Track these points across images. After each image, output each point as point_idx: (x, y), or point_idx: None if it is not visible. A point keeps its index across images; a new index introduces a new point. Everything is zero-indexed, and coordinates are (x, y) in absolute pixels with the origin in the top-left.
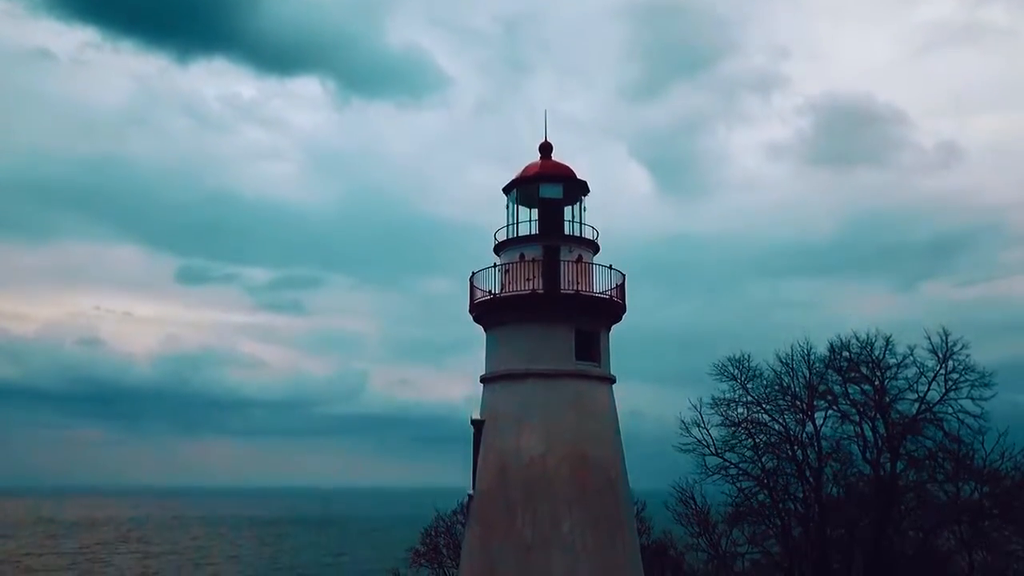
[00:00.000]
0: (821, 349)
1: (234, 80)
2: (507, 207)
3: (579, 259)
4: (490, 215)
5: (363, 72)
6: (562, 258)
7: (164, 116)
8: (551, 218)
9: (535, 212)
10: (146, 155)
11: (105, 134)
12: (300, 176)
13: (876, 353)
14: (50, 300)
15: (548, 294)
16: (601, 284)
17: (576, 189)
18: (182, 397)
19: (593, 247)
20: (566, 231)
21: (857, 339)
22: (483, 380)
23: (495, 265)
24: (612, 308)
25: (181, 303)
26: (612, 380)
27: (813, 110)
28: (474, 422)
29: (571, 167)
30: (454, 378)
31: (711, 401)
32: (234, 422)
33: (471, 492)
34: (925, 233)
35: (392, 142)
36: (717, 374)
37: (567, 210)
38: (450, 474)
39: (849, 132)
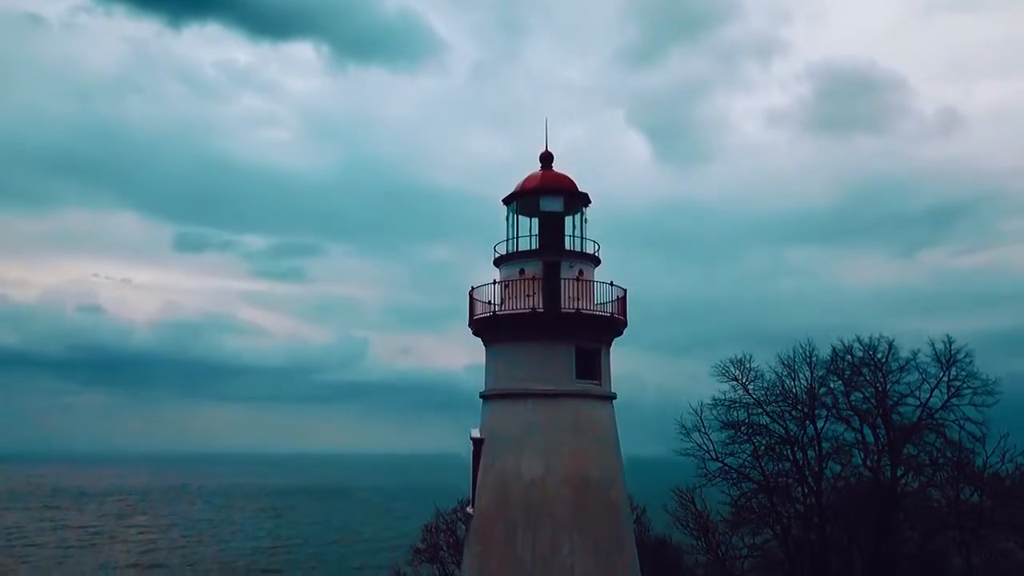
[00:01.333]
0: (824, 351)
1: (228, 45)
2: (506, 219)
3: (580, 274)
4: (487, 183)
5: (357, 37)
6: (563, 274)
7: (159, 82)
8: (551, 232)
9: (535, 222)
10: (142, 121)
11: (101, 100)
12: (297, 143)
13: (879, 355)
14: (50, 267)
15: (548, 313)
16: (602, 297)
17: (577, 200)
18: (183, 363)
19: (594, 261)
20: (567, 245)
21: (860, 342)
22: (483, 396)
23: (495, 281)
24: (613, 325)
25: (180, 270)
26: (613, 397)
27: (813, 76)
28: (474, 440)
29: (571, 177)
30: (454, 345)
31: (711, 402)
32: (235, 389)
33: (470, 510)
34: (925, 201)
35: (388, 108)
36: (718, 375)
37: (568, 220)
38: (450, 440)
39: (849, 99)
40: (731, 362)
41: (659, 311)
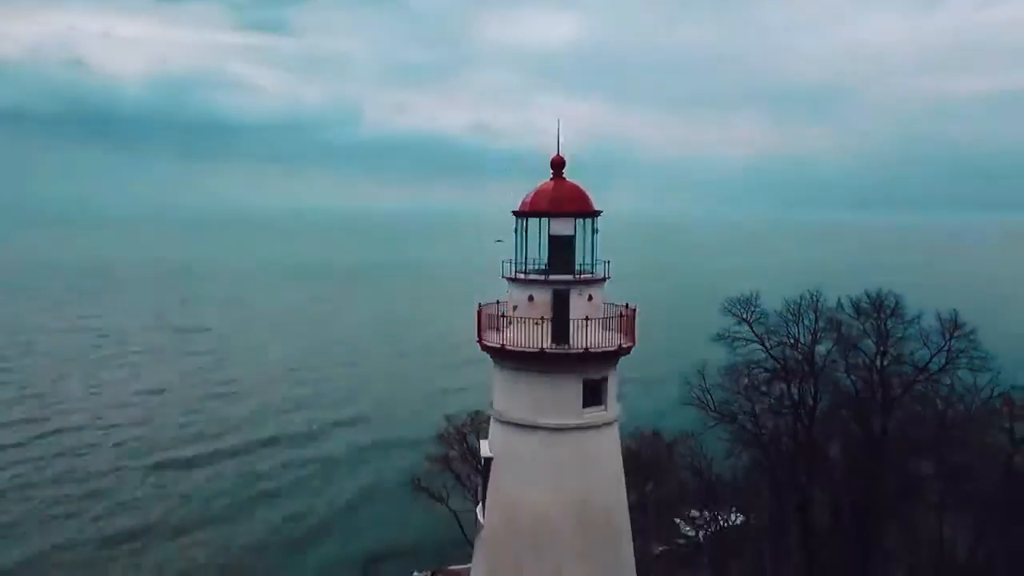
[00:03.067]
0: (830, 303)
1: None
2: (515, 231)
3: (589, 298)
4: None
5: None
6: (572, 300)
7: None
8: (561, 254)
9: (544, 226)
10: None
11: None
12: None
13: (887, 308)
14: (28, 18)
15: (556, 353)
16: (609, 311)
17: (588, 217)
18: (175, 120)
19: (603, 280)
20: (576, 265)
21: (868, 296)
22: (492, 416)
23: (497, 302)
24: (621, 352)
25: (161, 20)
26: (617, 418)
27: None
28: (484, 459)
29: (584, 190)
30: (453, 102)
31: (715, 336)
32: (232, 146)
33: (482, 519)
34: None
35: None
36: (725, 311)
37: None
38: (450, 198)
39: None
40: (737, 301)
41: (662, 65)
